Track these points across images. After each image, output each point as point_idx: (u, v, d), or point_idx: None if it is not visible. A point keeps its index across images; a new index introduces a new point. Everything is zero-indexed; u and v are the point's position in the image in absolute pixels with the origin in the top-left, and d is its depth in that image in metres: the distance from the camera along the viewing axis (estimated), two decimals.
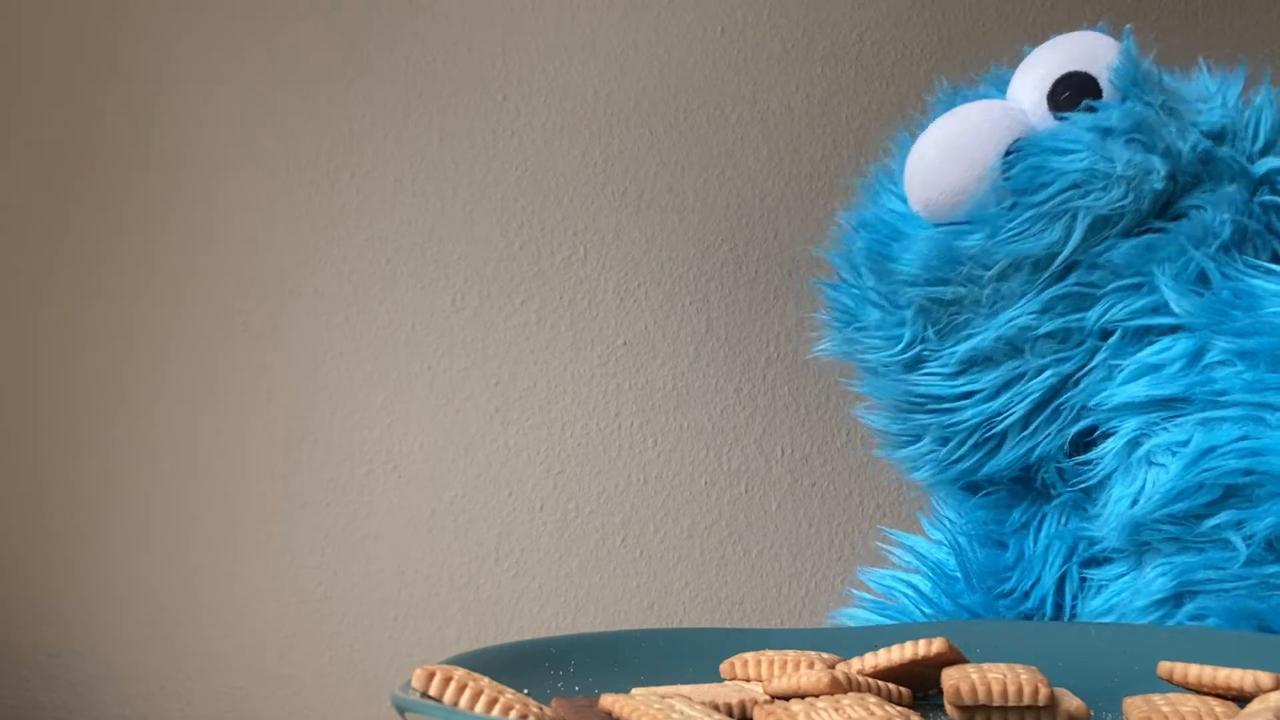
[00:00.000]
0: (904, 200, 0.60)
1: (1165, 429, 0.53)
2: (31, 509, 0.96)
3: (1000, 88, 0.61)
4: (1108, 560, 0.57)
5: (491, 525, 1.00)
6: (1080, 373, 0.56)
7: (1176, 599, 0.54)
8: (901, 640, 0.43)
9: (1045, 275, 0.55)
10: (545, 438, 1.00)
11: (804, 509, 1.02)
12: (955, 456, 0.60)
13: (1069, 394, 0.57)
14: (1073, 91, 0.57)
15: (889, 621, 0.60)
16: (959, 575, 0.60)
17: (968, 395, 0.58)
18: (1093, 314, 0.55)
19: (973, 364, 0.57)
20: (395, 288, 1.00)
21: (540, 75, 1.02)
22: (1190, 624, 0.53)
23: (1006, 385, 0.57)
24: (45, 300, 0.97)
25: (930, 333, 0.58)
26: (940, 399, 0.59)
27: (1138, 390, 0.54)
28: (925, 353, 0.59)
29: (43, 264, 0.98)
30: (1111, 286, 0.55)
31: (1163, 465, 0.53)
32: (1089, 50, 0.58)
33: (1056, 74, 0.57)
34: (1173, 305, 0.54)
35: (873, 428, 0.65)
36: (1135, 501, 0.53)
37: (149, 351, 0.98)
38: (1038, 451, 0.58)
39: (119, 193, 0.98)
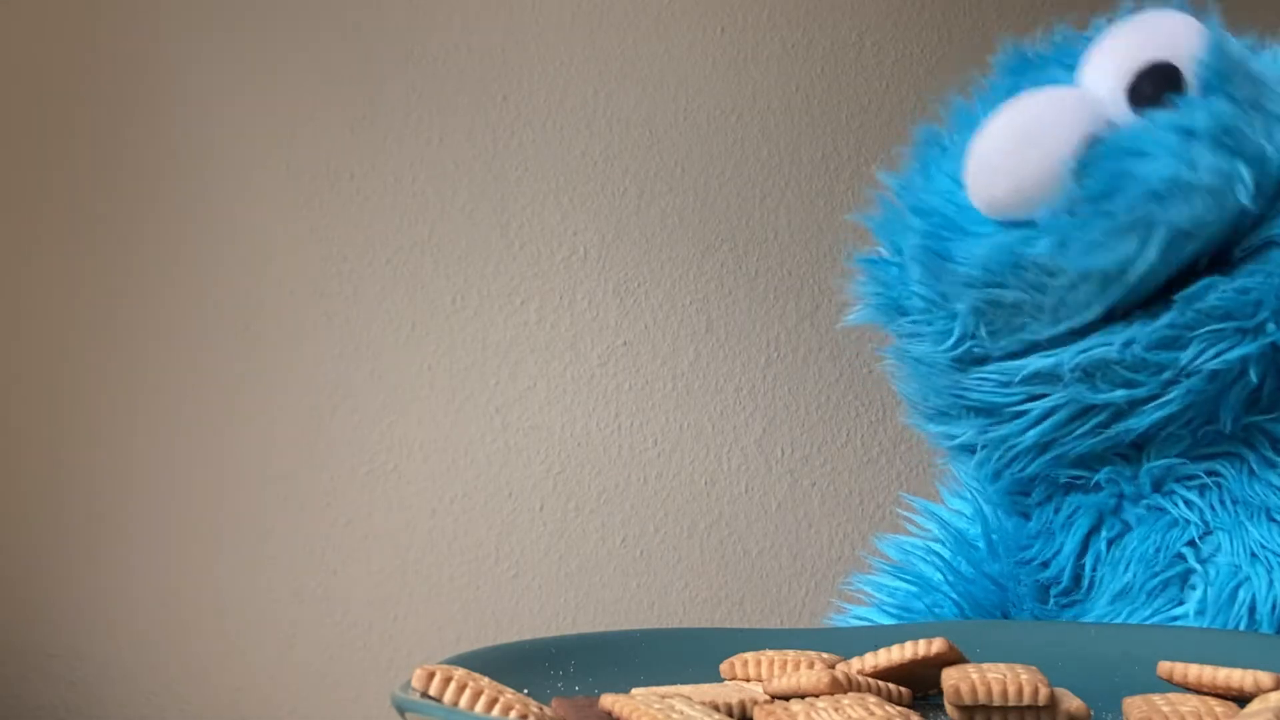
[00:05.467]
0: (958, 184, 0.55)
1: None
2: (32, 510, 0.96)
3: (1068, 58, 0.56)
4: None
5: (491, 525, 1.00)
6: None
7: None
8: (901, 640, 0.43)
9: (1113, 292, 0.51)
10: (545, 438, 1.00)
11: (804, 509, 1.02)
12: (994, 460, 0.57)
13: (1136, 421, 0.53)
14: (1155, 84, 0.51)
15: (909, 587, 0.60)
16: (980, 544, 0.59)
17: (1023, 413, 0.54)
18: (1185, 354, 0.51)
19: (1037, 379, 0.53)
20: (395, 288, 1.00)
21: (540, 75, 1.02)
22: (1192, 625, 0.53)
23: (1072, 411, 0.53)
24: (44, 303, 0.97)
25: (983, 332, 0.54)
26: (993, 408, 0.55)
27: None
28: (977, 350, 0.54)
29: (41, 267, 0.98)
30: (1206, 329, 0.50)
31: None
32: (1171, 35, 0.52)
33: (1137, 63, 0.51)
34: None
35: (905, 396, 0.61)
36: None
37: (149, 352, 0.98)
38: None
39: (119, 195, 0.98)
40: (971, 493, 0.61)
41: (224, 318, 0.99)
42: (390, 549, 0.99)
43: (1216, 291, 0.50)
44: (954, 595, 0.59)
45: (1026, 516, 0.59)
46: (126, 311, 0.98)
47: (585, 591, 1.00)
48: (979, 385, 0.55)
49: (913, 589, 0.60)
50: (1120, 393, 0.52)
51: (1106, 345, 0.51)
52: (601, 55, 1.03)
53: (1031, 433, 0.55)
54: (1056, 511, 0.57)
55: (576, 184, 1.02)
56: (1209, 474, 0.53)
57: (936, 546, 0.61)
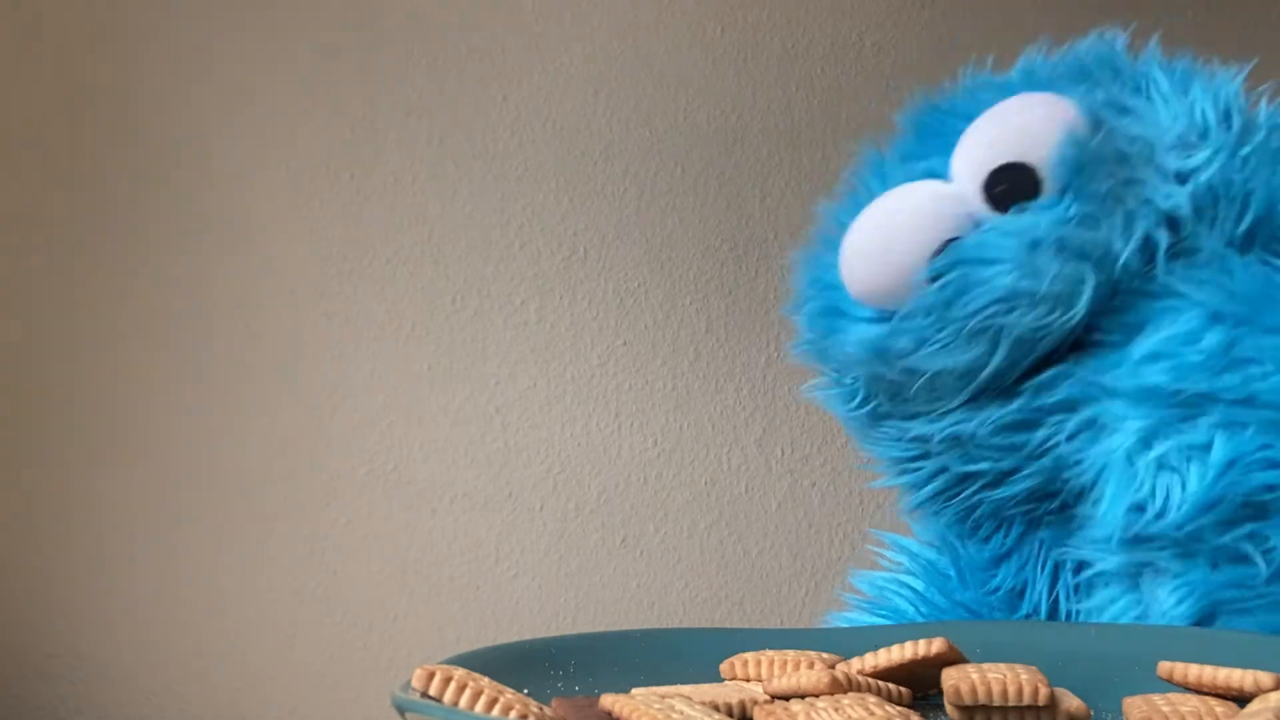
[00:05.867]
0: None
1: (1180, 430, 0.49)
2: (32, 510, 0.96)
3: (973, 110, 0.56)
4: (1091, 584, 0.56)
5: (491, 525, 1.00)
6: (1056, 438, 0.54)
7: (1201, 623, 0.50)
8: (901, 640, 0.43)
9: (974, 384, 0.53)
10: (545, 438, 1.00)
11: (804, 509, 1.02)
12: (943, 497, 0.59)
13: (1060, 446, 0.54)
14: (1009, 185, 0.52)
15: (885, 621, 0.60)
16: (951, 572, 0.60)
17: (917, 469, 0.57)
18: (1036, 436, 0.53)
19: (917, 442, 0.56)
20: (395, 288, 1.00)
21: (540, 75, 1.02)
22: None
23: (953, 475, 0.56)
24: (44, 303, 0.97)
25: (882, 397, 0.57)
26: (895, 461, 0.58)
27: (1158, 377, 0.49)
28: (880, 410, 0.57)
29: (41, 267, 0.98)
30: (1055, 417, 0.53)
31: (1175, 471, 0.48)
32: (1032, 131, 0.52)
33: (993, 162, 0.52)
34: (1191, 292, 0.49)
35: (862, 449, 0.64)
36: (1144, 511, 0.49)
37: (148, 353, 0.98)
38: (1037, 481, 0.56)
39: (118, 195, 0.98)
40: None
41: (223, 317, 0.99)
42: (390, 549, 0.99)
43: (1068, 381, 0.52)
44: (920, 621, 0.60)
45: (987, 540, 0.60)
46: (125, 311, 0.98)
47: (585, 591, 1.00)
48: (882, 438, 0.58)
49: (892, 624, 0.60)
50: (986, 464, 0.55)
51: (967, 422, 0.54)
52: (601, 55, 1.03)
53: (927, 488, 0.57)
54: (1007, 538, 0.59)
55: (576, 184, 1.02)
56: None
57: (909, 579, 0.62)
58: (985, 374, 0.52)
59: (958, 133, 0.55)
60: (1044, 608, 0.58)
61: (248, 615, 0.97)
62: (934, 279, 0.52)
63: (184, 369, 0.98)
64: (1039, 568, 0.58)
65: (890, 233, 0.54)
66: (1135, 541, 0.50)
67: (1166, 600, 0.50)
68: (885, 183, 0.58)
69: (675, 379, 1.02)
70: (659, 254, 1.03)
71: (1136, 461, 0.50)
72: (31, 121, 0.98)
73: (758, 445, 1.02)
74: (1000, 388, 0.53)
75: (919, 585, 0.60)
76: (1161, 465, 0.49)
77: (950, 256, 0.52)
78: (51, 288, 0.98)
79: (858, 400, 0.58)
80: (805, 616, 1.01)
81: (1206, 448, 0.48)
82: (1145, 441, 0.50)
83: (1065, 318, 0.51)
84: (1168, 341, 0.50)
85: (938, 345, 0.52)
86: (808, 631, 0.51)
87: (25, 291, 0.97)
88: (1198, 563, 0.49)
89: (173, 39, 1.00)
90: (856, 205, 0.57)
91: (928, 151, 0.57)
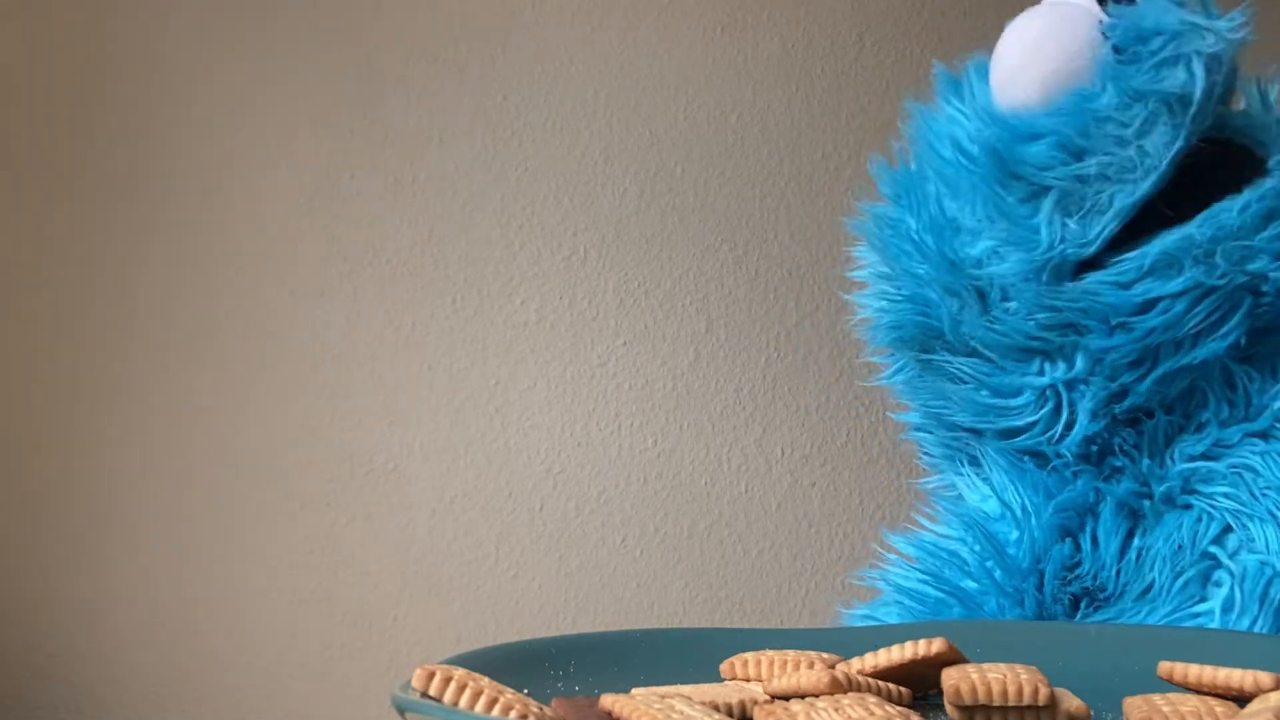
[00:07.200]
0: (982, 113, 0.60)
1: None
2: (32, 510, 0.96)
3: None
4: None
5: (491, 525, 1.00)
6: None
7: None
8: (901, 640, 0.43)
9: (1184, 121, 0.56)
10: (545, 438, 1.00)
11: (804, 509, 1.02)
12: (1090, 390, 0.59)
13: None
14: None
15: (938, 594, 0.60)
16: (1011, 550, 0.60)
17: (1151, 304, 0.57)
18: None
19: (1155, 270, 0.57)
20: (395, 288, 1.00)
21: (540, 75, 1.02)
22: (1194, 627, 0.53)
23: (1193, 299, 0.57)
24: (45, 301, 0.97)
25: (1072, 223, 0.58)
26: (1109, 312, 0.58)
27: None
28: (1070, 254, 0.58)
29: (42, 266, 0.98)
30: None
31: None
32: None
33: None
34: None
35: (938, 389, 0.64)
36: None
37: (149, 352, 0.98)
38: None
39: (118, 194, 0.98)
40: (1011, 493, 0.62)
41: (223, 318, 0.99)
42: (390, 549, 0.99)
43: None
44: (993, 607, 0.60)
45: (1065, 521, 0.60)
46: (125, 312, 0.98)
47: (585, 591, 1.00)
48: (1089, 294, 0.58)
49: (944, 596, 0.60)
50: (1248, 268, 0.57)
51: (1227, 211, 0.57)
52: (601, 55, 1.03)
53: (1156, 326, 0.57)
54: (1091, 504, 0.59)
55: (576, 184, 1.02)
56: (1234, 469, 0.55)
57: (963, 550, 0.61)
58: (1193, 99, 0.56)
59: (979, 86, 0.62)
60: (1109, 578, 0.58)
61: (248, 615, 0.97)
62: (1111, 35, 0.57)
63: (184, 369, 0.98)
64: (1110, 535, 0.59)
65: (1053, 17, 0.59)
66: None
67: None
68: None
69: (675, 379, 1.02)
70: (659, 254, 1.03)
71: None
72: (39, 126, 0.98)
73: (758, 445, 1.02)
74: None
75: (974, 559, 0.60)
76: None
77: (1117, 20, 0.58)
78: (51, 288, 0.98)
79: (1043, 247, 0.58)
80: (805, 616, 1.01)
81: None
82: None
83: (1224, 46, 0.57)
84: None
85: (1143, 78, 0.56)
86: (808, 631, 0.51)
87: (28, 292, 0.97)
88: None
89: (176, 43, 1.00)
90: (973, 76, 0.63)
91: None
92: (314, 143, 1.00)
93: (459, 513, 1.00)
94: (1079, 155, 0.57)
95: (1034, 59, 0.59)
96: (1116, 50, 0.57)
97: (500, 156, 1.02)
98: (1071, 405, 0.59)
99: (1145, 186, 0.57)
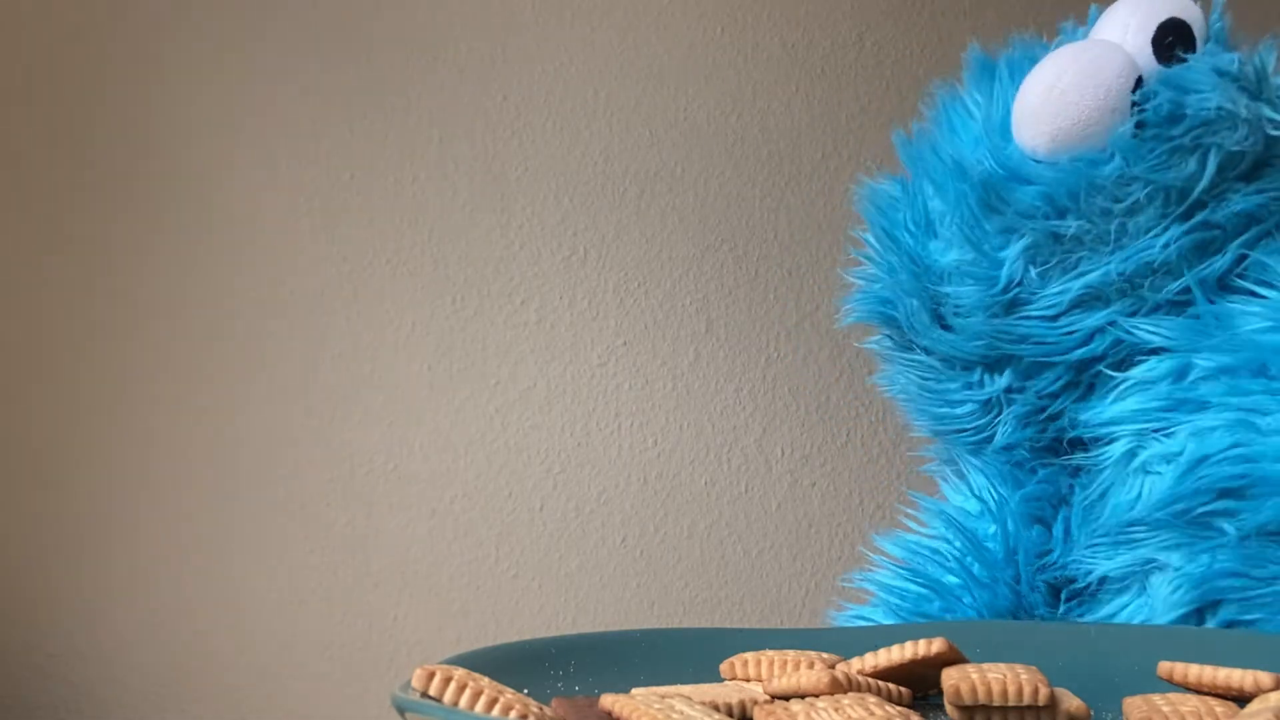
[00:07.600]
0: (997, 136, 0.60)
1: (1157, 440, 0.55)
2: (32, 509, 0.96)
3: (1023, 66, 0.61)
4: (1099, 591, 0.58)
5: (491, 525, 1.00)
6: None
7: (1199, 613, 0.54)
8: (901, 640, 0.43)
9: (1175, 211, 0.56)
10: (545, 438, 1.00)
11: (804, 509, 1.02)
12: (1022, 410, 0.61)
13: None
14: (1175, 38, 0.58)
15: (919, 589, 0.61)
16: (990, 545, 0.61)
17: (1070, 333, 0.59)
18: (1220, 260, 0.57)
19: (1081, 303, 0.58)
20: (395, 288, 1.00)
21: (540, 75, 1.02)
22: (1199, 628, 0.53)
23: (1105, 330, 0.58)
24: (46, 301, 0.97)
25: (1033, 273, 0.58)
26: (1040, 340, 0.59)
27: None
28: (1024, 295, 0.59)
29: (42, 265, 0.98)
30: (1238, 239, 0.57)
31: (1159, 474, 0.54)
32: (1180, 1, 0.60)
33: (1158, 19, 0.58)
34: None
35: (912, 386, 0.65)
36: (1133, 507, 0.55)
37: (149, 352, 0.98)
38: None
39: (118, 194, 0.98)
40: (987, 490, 0.62)
41: (223, 318, 0.99)
42: (390, 549, 0.99)
43: (1240, 195, 0.57)
44: (969, 600, 0.60)
45: (1043, 522, 0.62)
46: (125, 311, 0.98)
47: (585, 591, 1.00)
48: (1021, 322, 0.59)
49: (924, 591, 0.60)
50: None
51: (1149, 248, 0.57)
52: (601, 55, 1.03)
53: (1085, 358, 0.59)
54: (1064, 495, 0.61)
55: (576, 184, 1.02)
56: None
57: (944, 546, 0.62)
58: (1193, 193, 0.56)
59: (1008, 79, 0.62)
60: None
61: (248, 615, 0.97)
62: (1142, 105, 0.56)
63: (184, 369, 0.98)
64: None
65: (1088, 71, 0.57)
66: None
67: (1164, 591, 0.54)
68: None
69: (675, 379, 1.02)
70: (659, 254, 1.03)
71: None
72: (30, 123, 0.98)
73: (758, 445, 1.02)
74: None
75: (956, 554, 0.61)
76: None
77: (1151, 87, 0.57)
78: (51, 288, 0.98)
79: (1000, 285, 0.59)
80: (805, 616, 1.01)
81: None
82: None
83: (1255, 145, 0.56)
84: None
85: (1152, 163, 0.56)
86: (808, 631, 0.51)
87: (30, 293, 0.97)
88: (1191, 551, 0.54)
89: (176, 43, 1.00)
90: (983, 88, 0.62)
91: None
92: (314, 143, 1.00)
93: (459, 513, 1.00)
94: (1062, 214, 0.57)
95: (1054, 109, 0.57)
96: (1139, 125, 0.56)
97: (500, 156, 1.02)
98: (1005, 410, 0.62)
99: (1116, 260, 0.57)
